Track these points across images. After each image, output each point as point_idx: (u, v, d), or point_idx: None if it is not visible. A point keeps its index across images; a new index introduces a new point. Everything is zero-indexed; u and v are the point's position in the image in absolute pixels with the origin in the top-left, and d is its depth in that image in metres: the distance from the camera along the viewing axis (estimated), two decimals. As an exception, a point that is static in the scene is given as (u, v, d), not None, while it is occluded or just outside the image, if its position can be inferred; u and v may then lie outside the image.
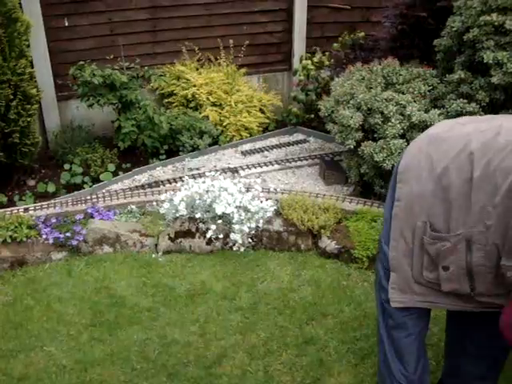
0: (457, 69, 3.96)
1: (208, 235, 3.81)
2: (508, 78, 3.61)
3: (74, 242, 3.84)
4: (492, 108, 3.88)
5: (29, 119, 4.43)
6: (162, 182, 4.72)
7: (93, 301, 3.45)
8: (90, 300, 3.46)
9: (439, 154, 1.95)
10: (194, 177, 4.61)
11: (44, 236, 3.85)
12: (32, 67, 4.70)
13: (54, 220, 3.97)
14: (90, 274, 3.69)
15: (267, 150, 5.32)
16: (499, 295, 2.00)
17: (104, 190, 4.59)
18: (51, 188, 4.65)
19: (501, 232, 1.84)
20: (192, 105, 5.47)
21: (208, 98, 5.45)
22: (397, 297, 2.19)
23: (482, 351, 2.35)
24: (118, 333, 3.19)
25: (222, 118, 5.43)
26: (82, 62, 4.90)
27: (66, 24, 5.25)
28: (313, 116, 5.49)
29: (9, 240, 3.76)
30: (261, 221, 3.85)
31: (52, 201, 4.30)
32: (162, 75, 5.42)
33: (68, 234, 3.85)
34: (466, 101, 3.86)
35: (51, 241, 3.83)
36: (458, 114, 3.87)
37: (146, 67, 5.33)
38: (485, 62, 3.65)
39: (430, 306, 2.20)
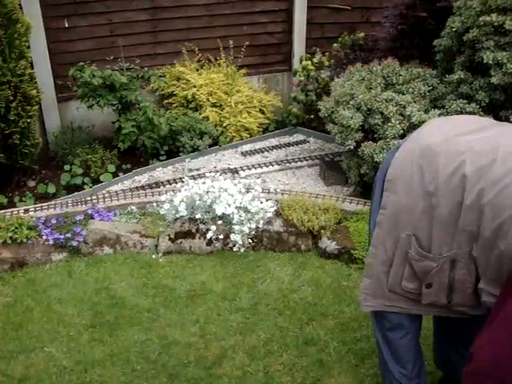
0: (457, 69, 3.96)
1: (208, 236, 3.81)
2: (508, 79, 3.61)
3: (75, 243, 3.84)
4: (492, 108, 3.88)
5: (29, 120, 4.42)
6: (162, 182, 4.72)
7: (93, 302, 3.45)
8: (90, 301, 3.46)
9: (431, 169, 1.91)
10: (194, 177, 4.61)
11: (44, 237, 3.86)
12: (32, 68, 4.70)
13: (54, 221, 3.97)
14: (90, 275, 3.70)
15: (267, 151, 5.32)
16: (474, 307, 2.03)
17: (104, 191, 4.59)
18: (51, 189, 4.65)
19: (483, 260, 1.86)
20: (192, 105, 5.47)
21: (208, 99, 5.45)
22: (367, 302, 2.22)
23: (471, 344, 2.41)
24: (118, 334, 3.19)
25: (222, 119, 5.43)
26: (81, 63, 4.90)
27: (66, 25, 5.25)
28: (313, 116, 5.48)
29: (9, 241, 3.76)
30: (261, 221, 3.85)
31: (52, 202, 4.31)
32: (161, 76, 5.42)
33: (68, 235, 3.85)
34: (465, 101, 3.86)
35: (51, 242, 3.83)
36: (458, 115, 3.87)
37: (145, 68, 5.33)
38: (484, 62, 3.65)
39: (400, 311, 2.20)
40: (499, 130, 1.97)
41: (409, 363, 2.29)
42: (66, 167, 4.85)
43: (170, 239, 3.89)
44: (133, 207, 4.18)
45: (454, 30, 3.89)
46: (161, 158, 5.11)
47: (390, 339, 2.28)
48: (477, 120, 2.20)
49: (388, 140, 3.93)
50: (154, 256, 3.87)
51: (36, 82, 4.67)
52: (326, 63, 5.59)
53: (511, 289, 1.70)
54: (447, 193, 1.86)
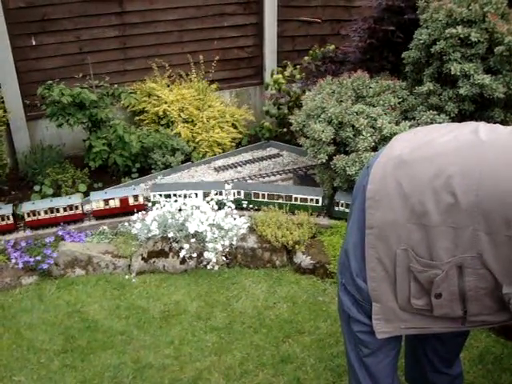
0: (426, 81, 3.99)
1: (181, 254, 3.76)
2: (475, 89, 3.64)
3: (45, 266, 3.76)
4: (461, 119, 3.91)
5: (-4, 141, 4.35)
6: (134, 200, 4.65)
7: (64, 326, 3.37)
8: (61, 325, 3.38)
9: (409, 179, 1.83)
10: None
11: (13, 260, 3.78)
12: (-1, 88, 4.63)
13: (23, 244, 3.89)
14: (61, 298, 3.62)
15: (240, 166, 5.28)
16: (492, 313, 1.92)
17: (75, 211, 4.50)
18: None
19: (499, 262, 1.75)
20: (164, 122, 5.42)
21: (180, 115, 5.41)
22: (382, 327, 2.06)
23: (442, 356, 2.40)
24: (90, 358, 3.12)
25: (194, 135, 5.39)
26: (50, 82, 4.83)
27: (34, 43, 5.18)
28: (285, 130, 5.48)
29: (-23, 266, 3.68)
30: (235, 238, 3.81)
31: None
32: (132, 92, 5.36)
33: (38, 258, 3.77)
34: (435, 112, 3.88)
35: (21, 265, 3.75)
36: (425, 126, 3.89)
37: (115, 85, 5.27)
38: (452, 73, 3.68)
39: (418, 332, 2.08)
40: (471, 128, 1.89)
41: None
42: (36, 187, 4.76)
43: (142, 259, 3.83)
44: (105, 227, 4.12)
45: (421, 42, 3.92)
46: (133, 175, 5.05)
47: (369, 364, 2.18)
48: (443, 125, 2.17)
49: (360, 153, 3.93)
50: (126, 276, 3.80)
51: (3, 102, 4.59)
52: (298, 76, 5.59)
53: None
54: (433, 197, 1.77)
